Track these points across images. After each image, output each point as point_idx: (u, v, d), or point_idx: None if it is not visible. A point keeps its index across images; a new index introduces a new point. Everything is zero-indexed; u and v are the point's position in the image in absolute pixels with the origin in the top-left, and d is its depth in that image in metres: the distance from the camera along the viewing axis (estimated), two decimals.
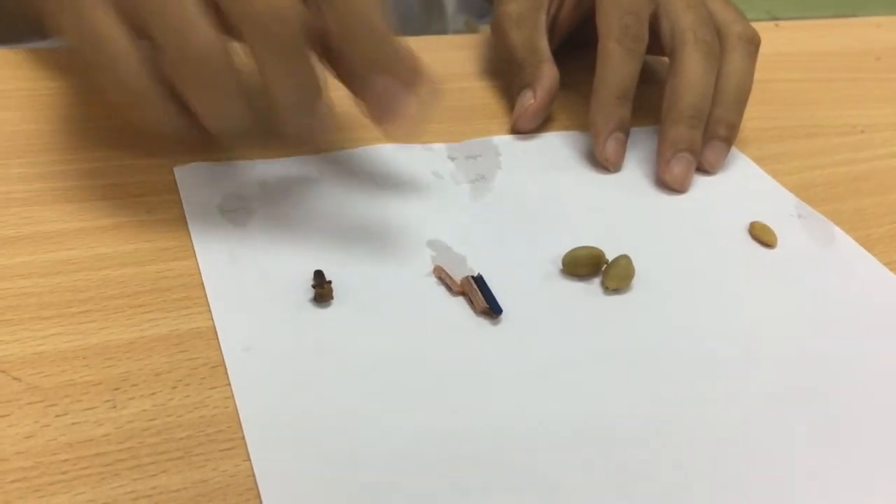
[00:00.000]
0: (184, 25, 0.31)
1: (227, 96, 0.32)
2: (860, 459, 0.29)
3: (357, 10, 0.32)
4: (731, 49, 0.44)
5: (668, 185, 0.42)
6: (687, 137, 0.42)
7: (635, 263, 0.35)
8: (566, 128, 0.46)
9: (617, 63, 0.43)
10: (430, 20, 0.73)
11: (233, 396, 0.28)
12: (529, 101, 0.45)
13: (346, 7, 0.32)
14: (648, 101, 0.46)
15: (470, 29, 0.78)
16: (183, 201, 0.36)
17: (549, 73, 0.45)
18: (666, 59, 0.45)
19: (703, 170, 0.44)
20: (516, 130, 0.45)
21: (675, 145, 0.42)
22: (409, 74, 0.33)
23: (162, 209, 0.36)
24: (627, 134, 0.43)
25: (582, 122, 0.47)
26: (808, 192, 0.43)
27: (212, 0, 0.31)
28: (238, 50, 0.31)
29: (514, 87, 0.46)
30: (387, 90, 0.32)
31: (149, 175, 0.34)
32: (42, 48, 0.46)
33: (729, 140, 0.44)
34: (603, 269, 0.35)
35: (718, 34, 0.45)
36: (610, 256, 0.36)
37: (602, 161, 0.43)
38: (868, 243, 0.40)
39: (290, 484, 0.26)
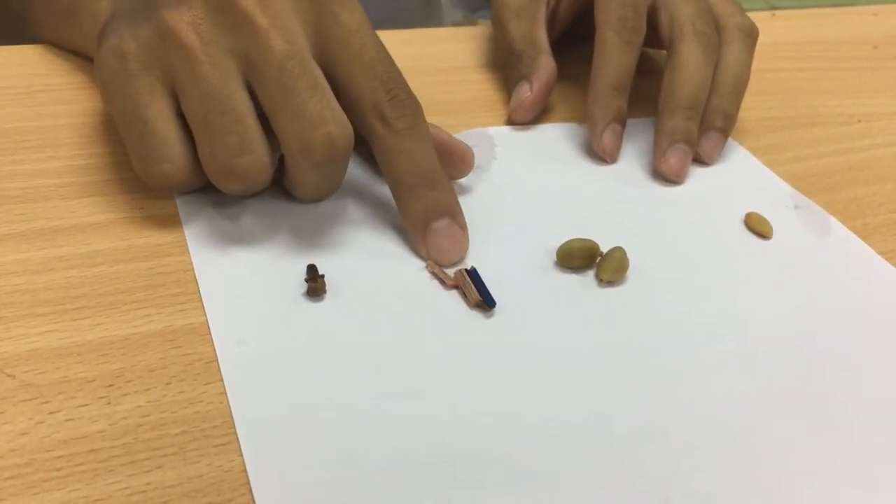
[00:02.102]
0: (239, 149, 0.32)
1: (256, 191, 0.35)
2: (859, 452, 0.29)
3: (421, 170, 0.34)
4: (730, 41, 0.44)
5: (664, 175, 0.42)
6: (683, 128, 0.42)
7: (630, 255, 0.35)
8: (563, 119, 0.46)
9: (614, 54, 0.42)
10: (426, 14, 0.73)
11: (227, 392, 0.28)
12: (526, 93, 0.44)
13: (411, 166, 0.34)
14: (645, 92, 0.46)
15: (468, 23, 0.78)
16: (176, 197, 0.36)
17: (546, 66, 0.45)
18: (663, 51, 0.45)
19: (699, 160, 0.43)
20: (513, 122, 0.45)
21: (672, 136, 0.42)
22: (458, 209, 0.35)
23: (155, 205, 0.36)
24: (624, 125, 0.43)
25: (578, 114, 0.47)
26: (805, 182, 0.43)
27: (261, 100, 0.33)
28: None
29: (512, 78, 0.46)
30: (445, 233, 0.35)
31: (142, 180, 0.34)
32: (37, 46, 0.46)
33: (725, 131, 0.44)
34: (597, 261, 0.35)
35: (717, 26, 0.45)
36: (604, 248, 0.35)
37: (599, 152, 0.43)
38: (864, 233, 0.40)
39: (283, 479, 0.26)
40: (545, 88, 0.45)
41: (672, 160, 0.42)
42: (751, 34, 0.45)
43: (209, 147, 0.32)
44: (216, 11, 0.32)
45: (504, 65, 0.49)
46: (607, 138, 0.42)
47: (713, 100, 0.43)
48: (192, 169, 0.33)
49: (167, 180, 0.33)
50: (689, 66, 0.42)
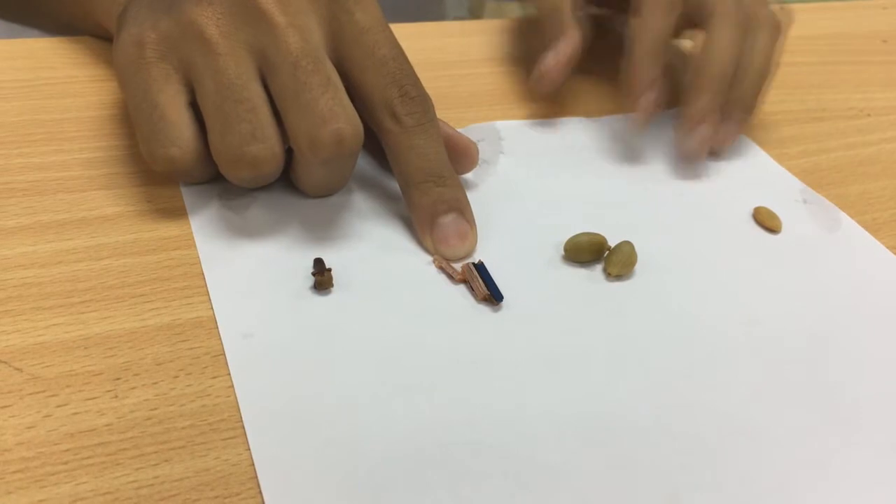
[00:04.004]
0: (251, 136, 0.32)
1: (265, 182, 0.35)
2: (868, 446, 0.29)
3: (429, 166, 0.35)
4: (757, 30, 0.44)
5: (686, 155, 0.42)
6: (710, 108, 0.42)
7: (638, 249, 0.35)
8: (570, 114, 0.46)
9: (653, 19, 0.42)
10: (429, 9, 0.73)
11: (234, 385, 0.28)
12: (551, 61, 0.44)
13: (420, 161, 0.34)
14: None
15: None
16: (183, 190, 0.36)
17: (572, 35, 0.44)
18: (678, 44, 0.45)
19: (711, 149, 0.43)
20: (536, 90, 0.44)
21: (698, 116, 0.41)
22: (466, 205, 0.35)
23: (162, 198, 0.36)
24: (661, 90, 0.42)
25: (586, 109, 0.46)
26: (814, 176, 0.43)
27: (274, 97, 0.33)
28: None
29: (536, 47, 0.45)
30: (452, 228, 0.35)
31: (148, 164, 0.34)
32: (42, 38, 0.46)
33: (743, 122, 0.43)
34: (605, 255, 0.35)
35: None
36: (612, 242, 0.35)
37: (638, 114, 0.42)
38: (873, 227, 0.40)
39: (290, 472, 0.26)
40: (569, 57, 0.44)
41: (695, 141, 0.41)
42: (778, 28, 0.44)
43: (221, 134, 0.32)
44: (236, 7, 0.33)
45: (508, 59, 0.48)
46: (647, 100, 0.42)
47: (736, 89, 0.43)
48: (199, 155, 0.33)
49: (173, 164, 0.33)
50: (721, 43, 0.42)
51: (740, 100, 0.43)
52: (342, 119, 0.32)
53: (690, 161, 0.42)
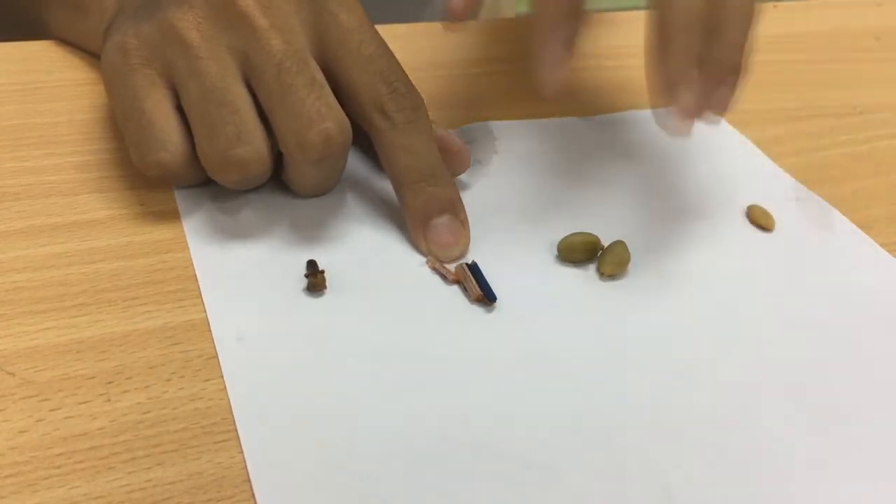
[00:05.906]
0: (237, 138, 0.32)
1: (255, 184, 0.35)
2: (863, 444, 0.29)
3: (421, 165, 0.34)
4: None
5: (671, 129, 0.33)
6: (684, 65, 0.33)
7: (631, 249, 0.35)
8: (563, 113, 0.46)
9: None
10: (424, 9, 0.73)
11: (227, 388, 0.28)
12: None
13: (411, 160, 0.34)
14: (641, 82, 0.45)
15: None
16: (176, 193, 0.36)
17: None
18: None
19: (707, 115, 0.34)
20: (448, 27, 0.37)
21: (673, 75, 0.33)
22: (460, 209, 0.35)
23: (154, 201, 0.36)
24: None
25: (580, 109, 0.46)
26: (807, 174, 0.43)
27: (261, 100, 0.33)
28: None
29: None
30: (445, 229, 0.35)
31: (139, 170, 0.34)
32: (36, 42, 0.46)
33: (733, 82, 0.34)
34: (598, 255, 0.35)
35: None
36: (605, 242, 0.35)
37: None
38: (866, 224, 0.40)
39: (283, 474, 0.26)
40: None
41: (678, 111, 0.33)
42: None
43: (207, 138, 0.33)
44: (217, 11, 0.33)
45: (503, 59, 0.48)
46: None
47: (716, 43, 0.34)
48: (189, 158, 0.33)
49: (163, 169, 0.33)
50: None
51: (724, 54, 0.34)
52: (329, 119, 0.32)
53: (677, 135, 0.33)
